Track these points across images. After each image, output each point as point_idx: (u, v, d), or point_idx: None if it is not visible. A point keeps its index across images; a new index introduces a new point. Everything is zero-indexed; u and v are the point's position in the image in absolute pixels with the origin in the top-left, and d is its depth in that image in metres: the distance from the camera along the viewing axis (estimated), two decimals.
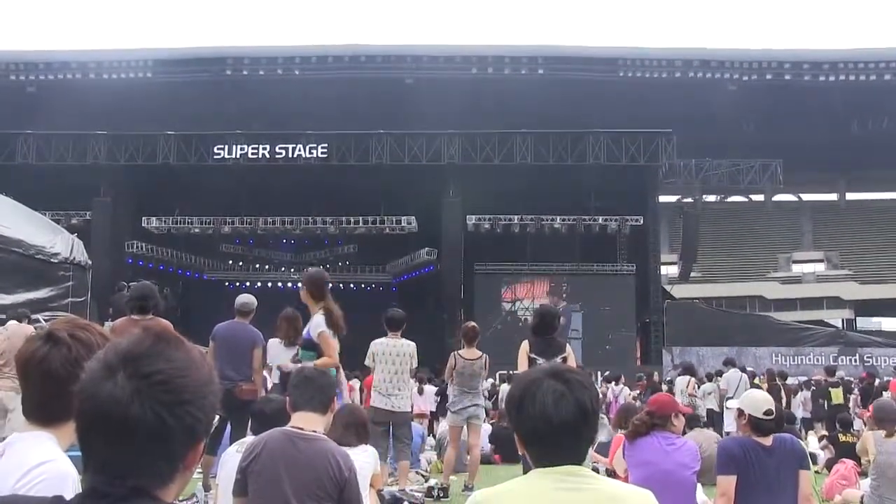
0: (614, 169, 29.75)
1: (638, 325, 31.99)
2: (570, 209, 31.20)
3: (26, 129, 31.68)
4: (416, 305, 29.18)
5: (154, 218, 31.71)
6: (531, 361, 6.88)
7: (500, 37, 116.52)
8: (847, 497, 8.47)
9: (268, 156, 30.31)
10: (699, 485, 5.38)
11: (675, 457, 4.79)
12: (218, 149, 30.45)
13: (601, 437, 8.92)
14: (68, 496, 1.40)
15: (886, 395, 14.78)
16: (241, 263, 36.97)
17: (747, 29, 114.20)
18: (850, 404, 15.90)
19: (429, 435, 13.67)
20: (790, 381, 18.42)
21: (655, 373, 22.54)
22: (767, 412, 4.42)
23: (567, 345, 7.49)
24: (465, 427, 8.62)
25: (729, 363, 15.75)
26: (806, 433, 15.26)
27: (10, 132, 31.61)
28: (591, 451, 7.22)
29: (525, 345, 7.18)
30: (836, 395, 15.61)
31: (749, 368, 18.28)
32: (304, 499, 3.28)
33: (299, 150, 30.35)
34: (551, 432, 1.88)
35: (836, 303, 41.67)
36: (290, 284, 35.65)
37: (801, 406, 16.63)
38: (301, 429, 3.45)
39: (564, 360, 6.94)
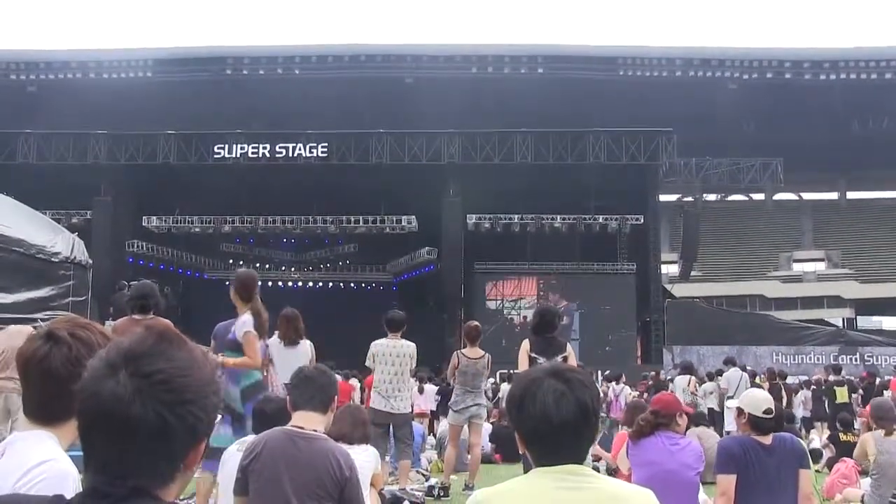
0: (614, 168, 29.71)
1: (638, 324, 31.95)
2: (571, 208, 31.15)
3: (27, 129, 31.65)
4: (416, 305, 29.25)
5: (154, 217, 31.68)
6: (532, 360, 6.88)
7: (500, 36, 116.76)
8: (848, 496, 8.49)
9: (268, 155, 30.31)
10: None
11: (679, 457, 4.78)
12: (218, 148, 30.45)
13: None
14: (69, 495, 1.40)
15: (887, 393, 14.81)
16: (241, 263, 36.84)
17: (747, 28, 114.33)
18: (853, 403, 15.87)
19: (429, 434, 13.69)
20: (791, 380, 18.42)
21: (661, 371, 22.58)
22: (767, 411, 4.42)
23: (567, 344, 7.50)
24: (465, 426, 8.63)
25: (729, 362, 15.71)
26: (807, 432, 15.25)
27: (11, 132, 31.57)
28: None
29: (526, 344, 7.18)
30: (842, 394, 15.55)
31: (749, 367, 18.23)
32: (304, 498, 3.28)
33: (299, 150, 30.34)
34: (552, 431, 1.88)
35: (836, 302, 41.66)
36: (290, 284, 35.79)
37: (801, 405, 16.62)
38: (301, 428, 3.45)
39: (565, 359, 6.94)
